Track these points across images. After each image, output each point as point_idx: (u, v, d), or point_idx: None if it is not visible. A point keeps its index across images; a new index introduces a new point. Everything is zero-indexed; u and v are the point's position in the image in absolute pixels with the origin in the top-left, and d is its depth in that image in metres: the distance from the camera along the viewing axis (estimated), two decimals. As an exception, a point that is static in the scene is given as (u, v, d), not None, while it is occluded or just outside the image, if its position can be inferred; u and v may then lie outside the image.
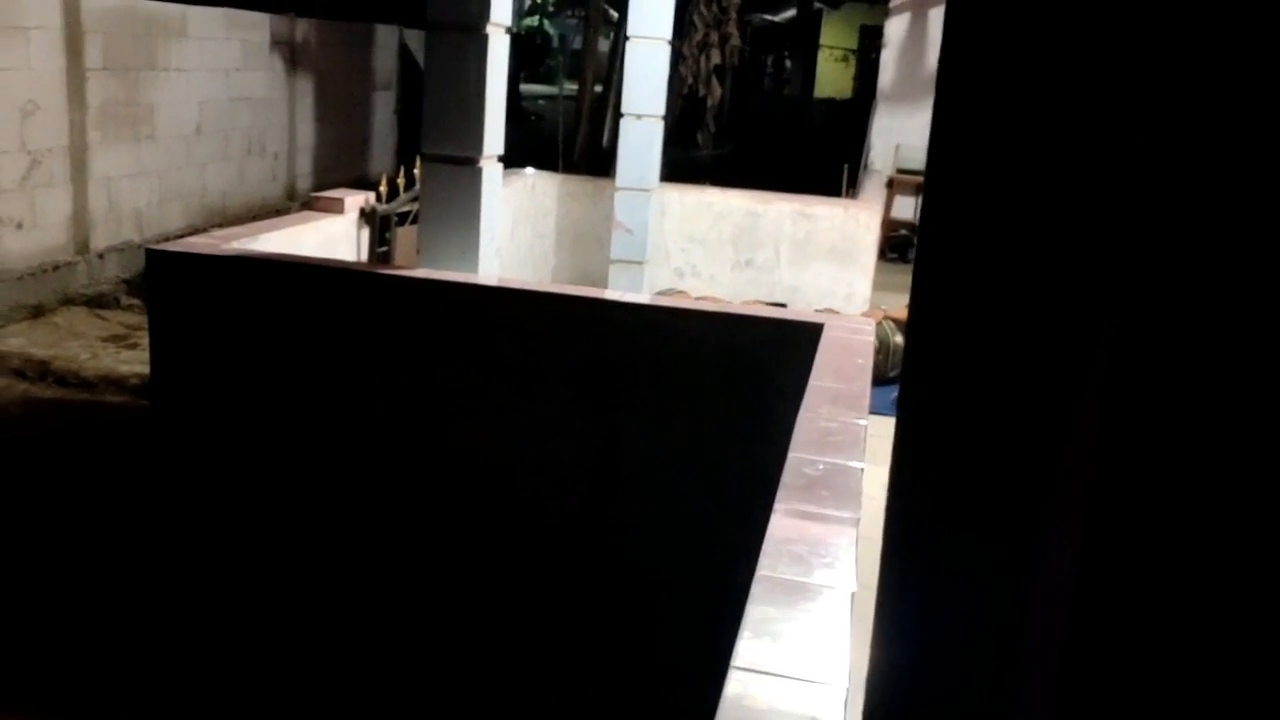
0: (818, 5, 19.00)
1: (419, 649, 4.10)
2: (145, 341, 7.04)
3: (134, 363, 6.69)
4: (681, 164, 11.97)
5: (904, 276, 9.10)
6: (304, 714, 3.81)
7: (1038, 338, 1.16)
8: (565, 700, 3.86)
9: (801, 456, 2.77)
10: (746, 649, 1.61)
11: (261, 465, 4.43)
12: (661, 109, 7.35)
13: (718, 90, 12.17)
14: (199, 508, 4.47)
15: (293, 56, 10.34)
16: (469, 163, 4.56)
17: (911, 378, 1.35)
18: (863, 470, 2.70)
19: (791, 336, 4.09)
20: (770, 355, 4.10)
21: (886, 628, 1.34)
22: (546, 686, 3.89)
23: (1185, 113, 0.88)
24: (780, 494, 2.48)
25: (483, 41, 4.47)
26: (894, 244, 10.85)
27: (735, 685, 1.51)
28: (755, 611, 1.76)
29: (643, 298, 5.52)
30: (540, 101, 24.89)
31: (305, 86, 10.73)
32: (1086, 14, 1.06)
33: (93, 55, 7.73)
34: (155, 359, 4.47)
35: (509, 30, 4.69)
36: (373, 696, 4.03)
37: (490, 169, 4.63)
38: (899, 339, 7.02)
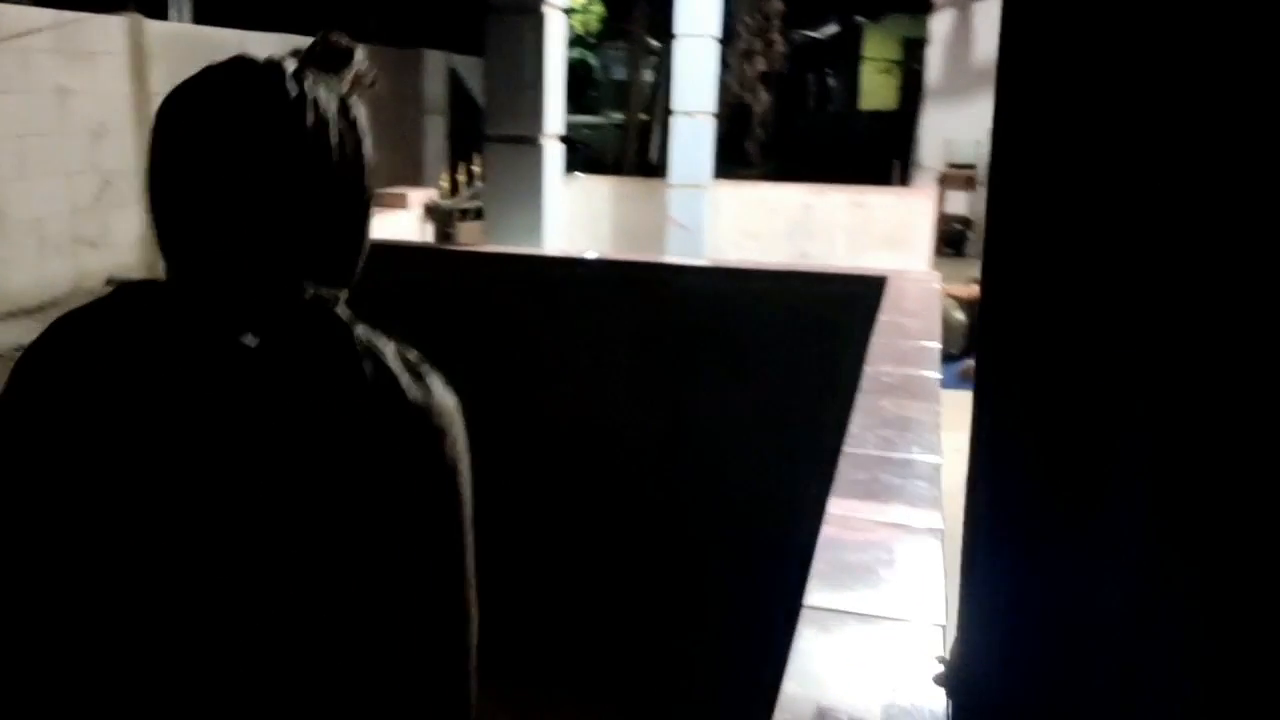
0: (859, 19, 19.09)
1: (497, 609, 4.16)
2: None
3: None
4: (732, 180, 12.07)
5: (961, 269, 9.09)
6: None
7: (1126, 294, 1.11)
8: (643, 648, 3.90)
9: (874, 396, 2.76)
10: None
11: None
12: (712, 106, 7.44)
13: (765, 97, 12.27)
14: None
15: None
16: (530, 142, 4.67)
17: (989, 343, 1.33)
18: (939, 414, 2.59)
19: (856, 290, 4.13)
20: (836, 311, 4.13)
21: (972, 608, 1.33)
22: (625, 636, 3.94)
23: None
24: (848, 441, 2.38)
25: (539, 21, 4.58)
26: (948, 239, 10.85)
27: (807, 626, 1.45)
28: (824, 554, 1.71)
29: (707, 260, 5.58)
30: (585, 131, 25.12)
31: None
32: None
33: (157, 79, 7.96)
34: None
35: (566, 10, 4.80)
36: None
37: (551, 147, 4.73)
38: (960, 315, 7.02)
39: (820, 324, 4.04)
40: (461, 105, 13.04)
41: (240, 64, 1.18)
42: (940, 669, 1.35)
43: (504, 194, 4.73)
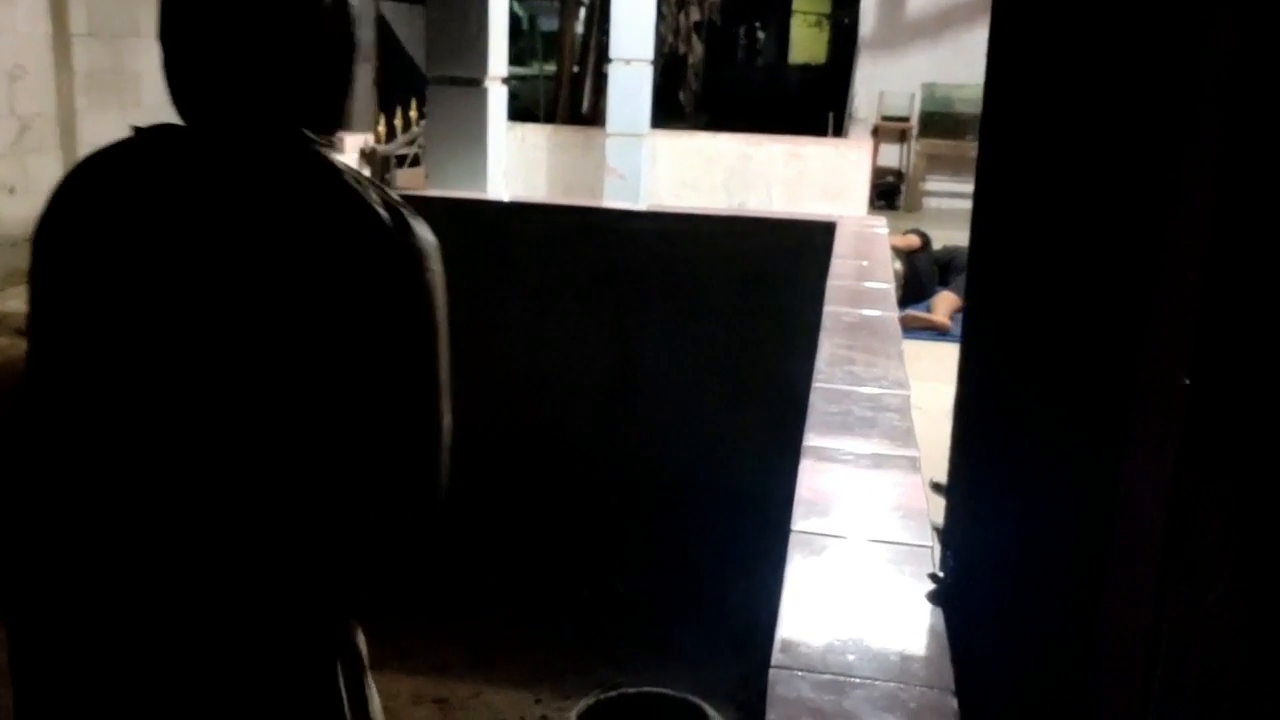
0: (789, -28, 19.04)
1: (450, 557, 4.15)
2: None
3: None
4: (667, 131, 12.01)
5: (894, 220, 9.17)
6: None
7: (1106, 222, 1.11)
8: (596, 593, 3.92)
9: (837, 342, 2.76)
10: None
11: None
12: (650, 53, 7.39)
13: (699, 47, 12.22)
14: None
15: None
16: (474, 84, 4.60)
17: (977, 281, 1.33)
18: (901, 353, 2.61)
19: (805, 236, 4.14)
20: (784, 256, 4.15)
21: (958, 531, 1.33)
22: (579, 581, 3.95)
23: None
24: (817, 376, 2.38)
25: (482, -39, 4.51)
26: (881, 191, 10.92)
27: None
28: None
29: (653, 206, 5.56)
30: (515, 82, 24.87)
31: (287, 57, 10.69)
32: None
33: (77, 20, 7.71)
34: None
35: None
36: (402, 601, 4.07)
37: (496, 90, 4.67)
38: (898, 265, 7.08)
39: (772, 268, 4.05)
40: (389, 53, 12.79)
41: None
42: (933, 586, 1.37)
43: (446, 138, 4.67)
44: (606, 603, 3.89)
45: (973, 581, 1.26)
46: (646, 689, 2.96)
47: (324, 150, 1.36)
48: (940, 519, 1.77)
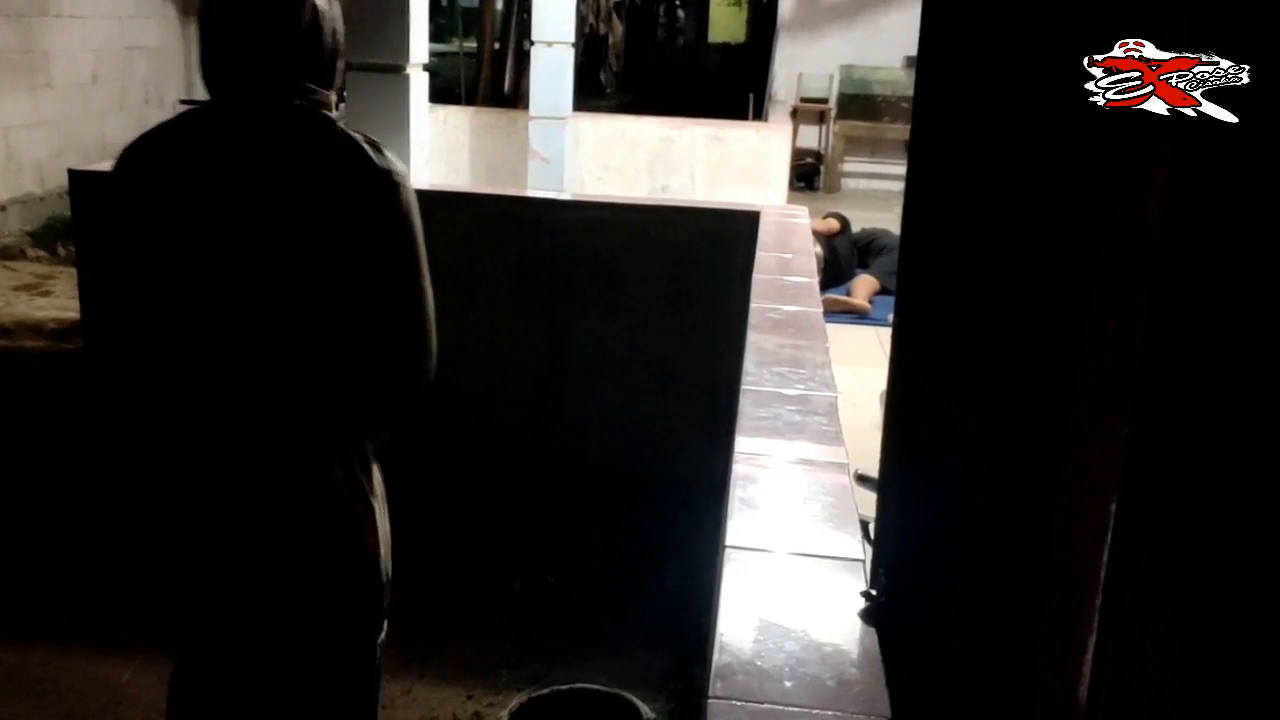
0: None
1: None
2: (58, 289, 6.87)
3: (49, 309, 6.52)
4: (587, 111, 11.94)
5: (814, 203, 9.23)
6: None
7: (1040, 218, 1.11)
8: (528, 586, 3.91)
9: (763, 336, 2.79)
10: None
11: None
12: (571, 36, 7.33)
13: (619, 27, 12.16)
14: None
15: (184, 4, 10.08)
16: (395, 70, 4.54)
17: (909, 268, 1.33)
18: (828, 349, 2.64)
19: (729, 225, 4.15)
20: (710, 245, 4.15)
21: (891, 548, 1.34)
22: (509, 573, 3.94)
23: None
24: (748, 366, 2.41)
25: (403, -55, 4.44)
26: (800, 173, 10.98)
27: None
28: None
29: (581, 196, 5.54)
30: (434, 59, 24.59)
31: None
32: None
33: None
34: (85, 292, 4.37)
35: (429, -64, 4.66)
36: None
37: (418, 76, 4.61)
38: (818, 249, 7.13)
39: (698, 258, 4.06)
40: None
41: None
42: (865, 604, 1.38)
43: (368, 125, 4.58)
44: (538, 595, 3.89)
45: (905, 601, 1.27)
46: (578, 685, 2.97)
47: (322, 105, 1.86)
48: (867, 512, 1.79)
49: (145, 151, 1.90)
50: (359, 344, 1.85)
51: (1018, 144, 1.08)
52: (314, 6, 1.84)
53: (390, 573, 2.08)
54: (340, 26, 1.90)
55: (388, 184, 1.81)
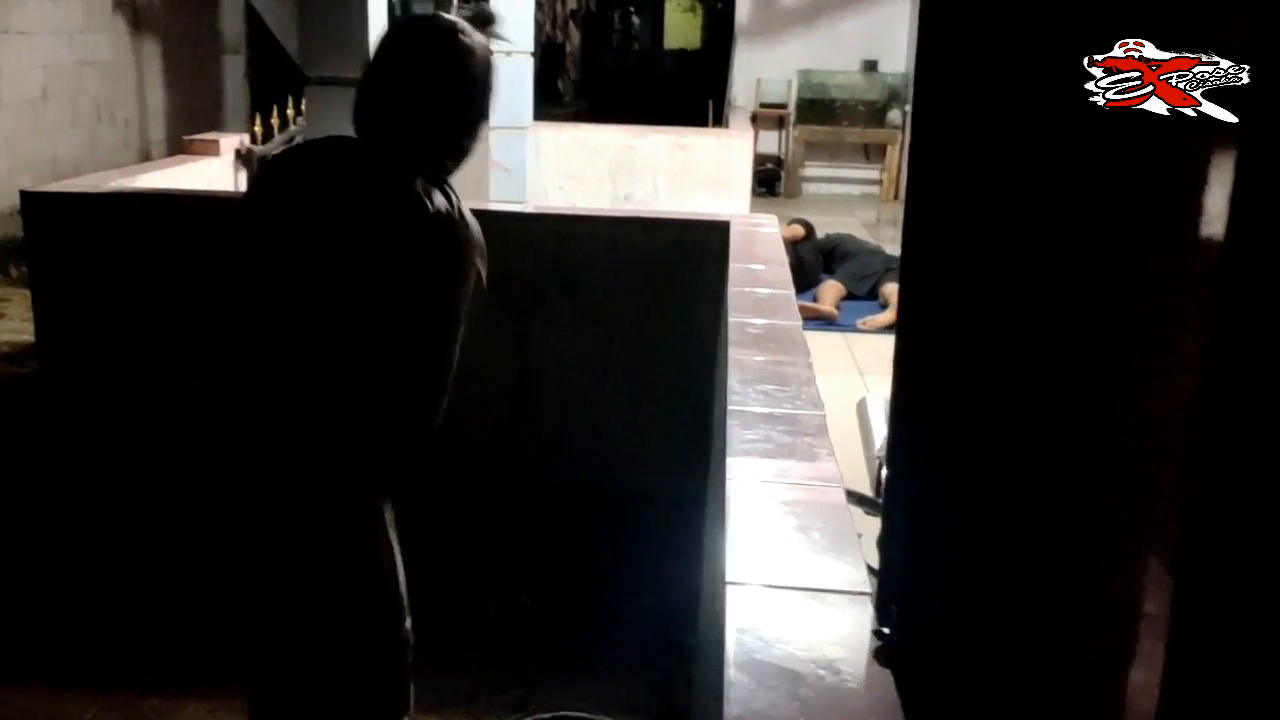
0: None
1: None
2: (10, 310, 6.73)
3: (2, 332, 6.39)
4: (547, 120, 11.88)
5: (775, 208, 9.21)
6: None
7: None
8: (504, 608, 3.84)
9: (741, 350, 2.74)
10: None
11: (164, 414, 4.26)
12: (530, 45, 7.27)
13: (576, 35, 12.11)
14: (98, 467, 4.28)
15: (136, 19, 9.93)
16: (355, 84, 4.44)
17: (911, 275, 1.29)
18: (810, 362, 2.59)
19: (699, 236, 4.10)
20: (680, 256, 4.10)
21: (900, 583, 1.29)
22: (484, 596, 3.86)
23: None
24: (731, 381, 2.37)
25: (361, -43, 4.36)
26: (761, 179, 10.97)
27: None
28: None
29: (548, 208, 5.47)
30: (388, 69, 24.32)
31: (152, 50, 10.31)
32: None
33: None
34: (40, 314, 4.25)
35: (387, -54, 4.58)
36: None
37: (378, 91, 4.53)
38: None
39: (667, 269, 4.01)
40: (259, 43, 12.40)
41: (433, 20, 2.26)
42: (878, 644, 1.33)
43: (328, 141, 4.50)
44: (514, 617, 3.82)
45: (922, 640, 1.22)
46: (560, 713, 2.91)
47: (444, 174, 2.10)
48: (860, 529, 1.74)
49: (276, 171, 2.22)
50: (386, 388, 2.08)
51: (1047, 152, 1.04)
52: (471, 84, 2.10)
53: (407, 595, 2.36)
54: (489, 106, 2.15)
55: (462, 241, 2.05)
